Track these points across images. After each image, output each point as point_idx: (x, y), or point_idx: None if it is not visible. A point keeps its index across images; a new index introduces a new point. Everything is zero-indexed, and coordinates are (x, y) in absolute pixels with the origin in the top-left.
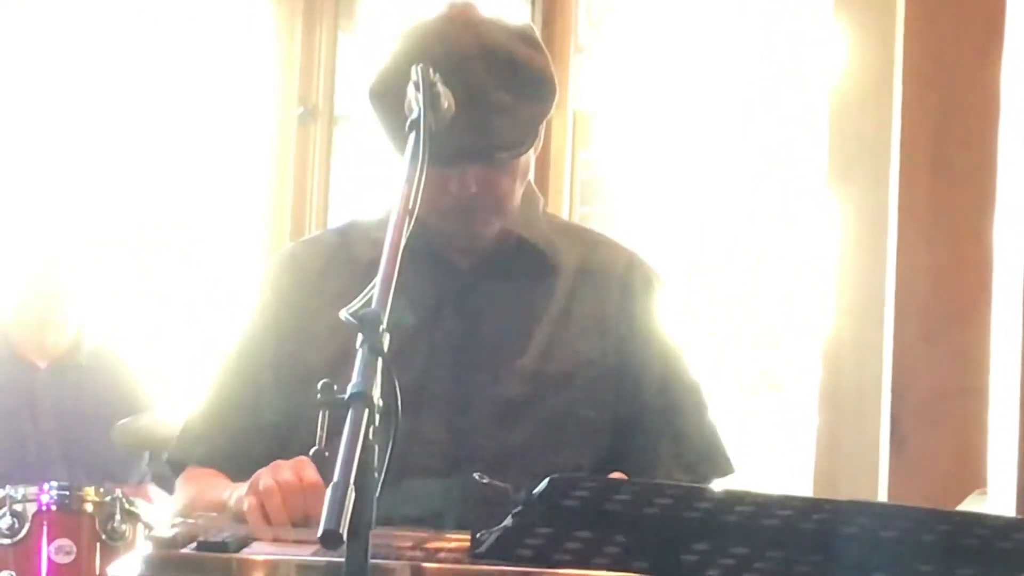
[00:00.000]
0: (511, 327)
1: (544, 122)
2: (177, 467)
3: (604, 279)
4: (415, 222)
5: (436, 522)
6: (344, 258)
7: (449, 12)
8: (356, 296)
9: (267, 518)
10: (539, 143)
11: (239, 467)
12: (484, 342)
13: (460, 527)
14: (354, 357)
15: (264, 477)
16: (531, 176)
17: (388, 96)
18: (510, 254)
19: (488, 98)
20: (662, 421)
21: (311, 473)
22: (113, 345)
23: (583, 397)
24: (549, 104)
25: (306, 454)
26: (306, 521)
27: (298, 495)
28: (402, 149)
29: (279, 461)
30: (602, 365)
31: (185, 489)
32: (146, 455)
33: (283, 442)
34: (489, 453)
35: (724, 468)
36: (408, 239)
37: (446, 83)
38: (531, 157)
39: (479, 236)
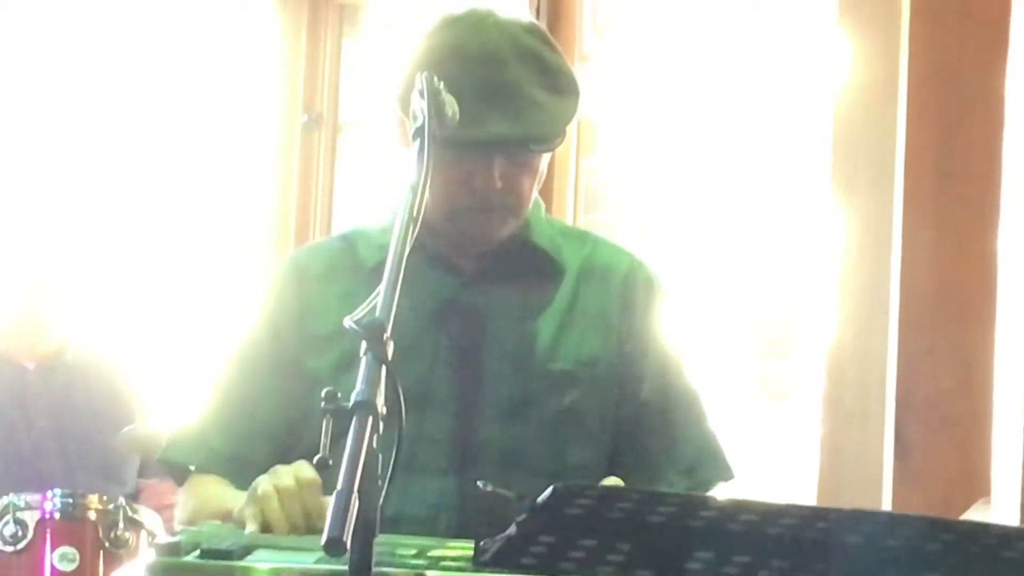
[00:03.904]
0: (515, 327)
1: (571, 123)
2: (173, 468)
3: (607, 277)
4: (425, 226)
5: (439, 520)
6: (348, 263)
7: (475, 12)
8: (360, 300)
9: (267, 525)
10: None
11: (240, 471)
12: (488, 342)
13: (462, 525)
14: (357, 362)
15: (263, 483)
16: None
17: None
18: (515, 256)
19: (523, 91)
20: (659, 422)
21: (307, 472)
22: (97, 346)
23: (587, 395)
24: (576, 103)
25: (309, 459)
26: (306, 522)
27: (295, 499)
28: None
29: (278, 466)
30: (605, 363)
31: (189, 498)
32: (135, 464)
33: (286, 447)
34: (494, 452)
35: (722, 473)
36: (417, 241)
37: (482, 76)
38: (546, 164)
39: (493, 238)
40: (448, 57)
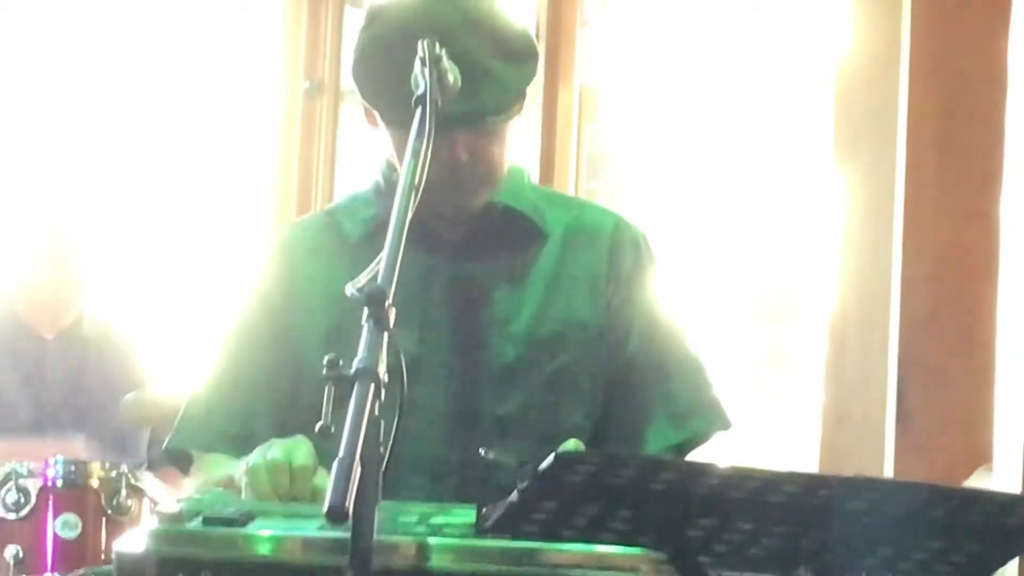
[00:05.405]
0: (502, 293)
1: (528, 87)
2: (177, 455)
3: (593, 240)
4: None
5: (437, 490)
6: (333, 238)
7: None
8: (345, 274)
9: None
10: (522, 111)
11: (246, 449)
12: (476, 310)
13: (461, 494)
14: (343, 334)
15: (255, 455)
16: (536, 150)
17: (373, 70)
18: (497, 223)
19: (474, 65)
20: (651, 377)
21: (300, 456)
22: (112, 317)
23: (578, 357)
24: (532, 68)
25: (305, 431)
26: (293, 499)
27: (284, 474)
28: (391, 122)
29: (274, 439)
30: (594, 325)
31: (198, 475)
32: (147, 434)
33: (282, 421)
34: (487, 418)
35: (717, 423)
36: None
37: None
38: (515, 126)
39: (468, 207)
40: (396, 35)
